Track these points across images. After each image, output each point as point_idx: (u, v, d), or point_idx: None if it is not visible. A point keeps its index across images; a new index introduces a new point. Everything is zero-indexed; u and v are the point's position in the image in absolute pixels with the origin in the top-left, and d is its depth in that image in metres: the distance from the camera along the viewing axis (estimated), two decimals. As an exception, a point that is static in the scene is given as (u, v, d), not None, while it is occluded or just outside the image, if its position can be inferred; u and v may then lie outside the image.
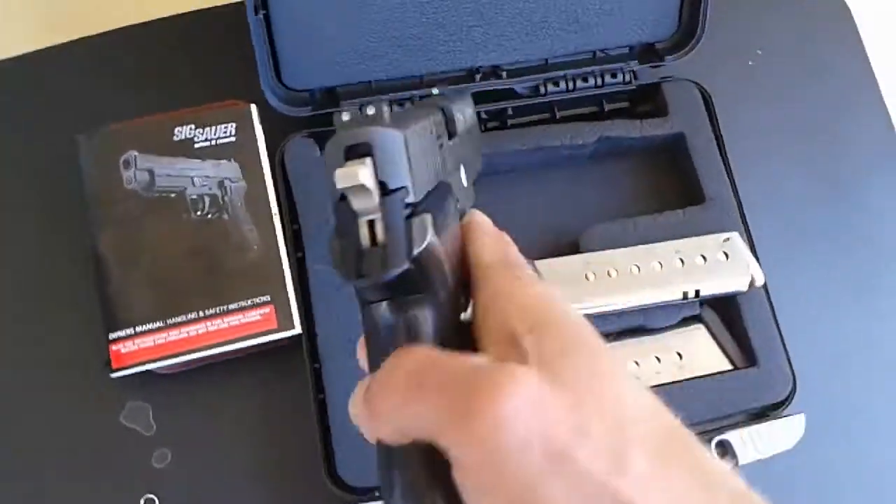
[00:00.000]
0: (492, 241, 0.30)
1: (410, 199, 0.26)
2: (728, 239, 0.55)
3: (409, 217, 0.25)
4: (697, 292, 0.54)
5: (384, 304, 0.27)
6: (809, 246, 0.61)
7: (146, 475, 0.54)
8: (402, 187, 0.25)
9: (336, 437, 0.51)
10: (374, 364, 0.26)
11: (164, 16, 0.63)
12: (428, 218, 0.26)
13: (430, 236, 0.26)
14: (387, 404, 0.24)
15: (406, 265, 0.25)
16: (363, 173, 0.24)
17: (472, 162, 0.38)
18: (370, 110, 0.31)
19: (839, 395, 0.57)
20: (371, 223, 0.25)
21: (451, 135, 0.34)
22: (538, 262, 0.53)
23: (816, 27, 0.68)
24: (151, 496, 0.53)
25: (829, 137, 0.65)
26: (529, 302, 0.26)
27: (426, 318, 0.26)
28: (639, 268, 0.54)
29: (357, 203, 0.25)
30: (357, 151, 0.25)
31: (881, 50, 0.68)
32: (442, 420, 0.23)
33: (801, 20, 0.68)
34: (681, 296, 0.54)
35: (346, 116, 0.29)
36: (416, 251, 0.25)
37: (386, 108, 0.30)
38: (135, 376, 0.53)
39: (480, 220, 0.31)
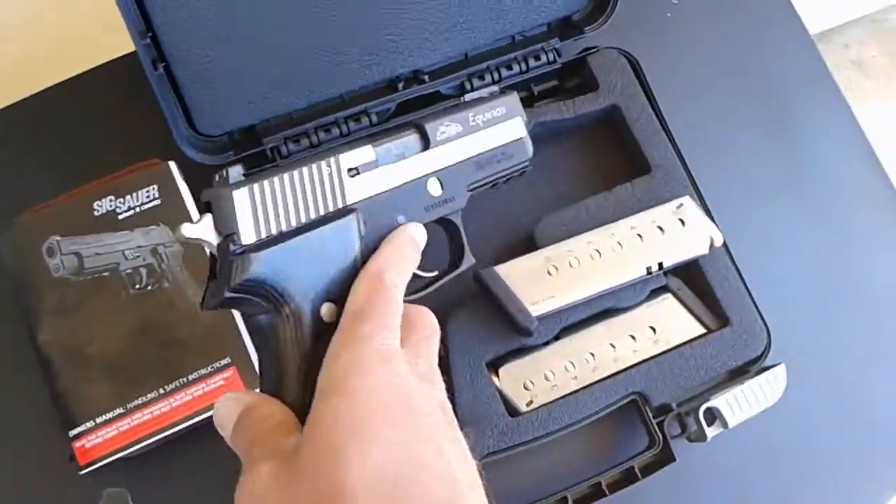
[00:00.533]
0: (363, 289, 0.36)
1: (242, 241, 0.36)
2: (681, 205, 0.54)
3: (236, 254, 0.36)
4: (661, 265, 0.53)
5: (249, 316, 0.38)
6: (760, 195, 0.61)
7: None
8: (232, 234, 0.36)
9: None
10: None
11: (52, 84, 0.59)
12: (252, 256, 0.36)
13: (253, 270, 0.36)
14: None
15: (225, 294, 0.36)
16: (199, 226, 0.37)
17: (479, 163, 0.47)
18: (224, 173, 0.39)
19: (814, 337, 0.58)
20: (213, 261, 0.37)
21: (426, 145, 0.44)
22: (499, 267, 0.52)
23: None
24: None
25: (760, 78, 0.65)
26: (337, 371, 0.33)
27: (273, 327, 0.37)
28: (599, 252, 0.53)
29: (206, 246, 0.37)
30: (206, 207, 0.38)
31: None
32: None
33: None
34: (645, 272, 0.53)
35: (216, 178, 0.39)
36: (235, 281, 0.36)
37: (235, 170, 0.39)
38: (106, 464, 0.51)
39: (370, 268, 0.38)
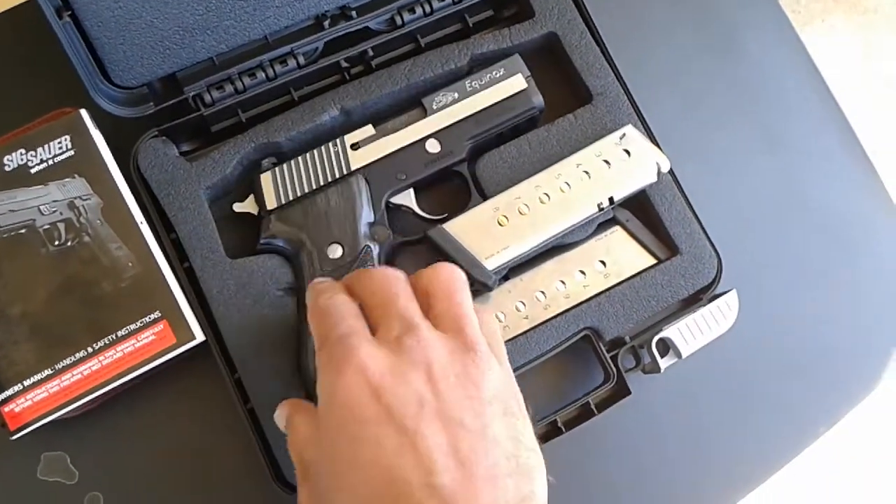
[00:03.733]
0: (344, 309, 0.40)
1: (267, 208, 0.53)
2: (624, 135, 0.54)
3: (261, 217, 0.53)
4: (611, 199, 0.53)
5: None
6: (706, 119, 0.62)
7: (85, 524, 0.52)
8: (263, 205, 0.53)
9: (275, 442, 0.49)
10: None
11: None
12: (272, 217, 0.53)
13: (272, 227, 0.53)
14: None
15: (257, 246, 0.53)
16: (246, 203, 0.54)
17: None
18: (263, 164, 0.54)
19: (765, 261, 0.59)
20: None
21: (424, 115, 0.55)
22: (448, 224, 0.52)
23: None
24: (94, 543, 0.51)
25: (718, 19, 0.64)
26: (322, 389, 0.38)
27: (299, 265, 0.52)
28: (548, 195, 0.53)
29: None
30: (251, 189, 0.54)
31: None
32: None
33: None
34: (596, 209, 0.53)
35: (262, 164, 0.54)
36: (261, 237, 0.53)
37: (268, 160, 0.54)
38: (41, 427, 0.51)
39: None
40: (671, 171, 0.55)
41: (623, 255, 0.55)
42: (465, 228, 0.52)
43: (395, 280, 0.40)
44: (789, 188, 0.61)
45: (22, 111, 0.53)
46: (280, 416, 0.43)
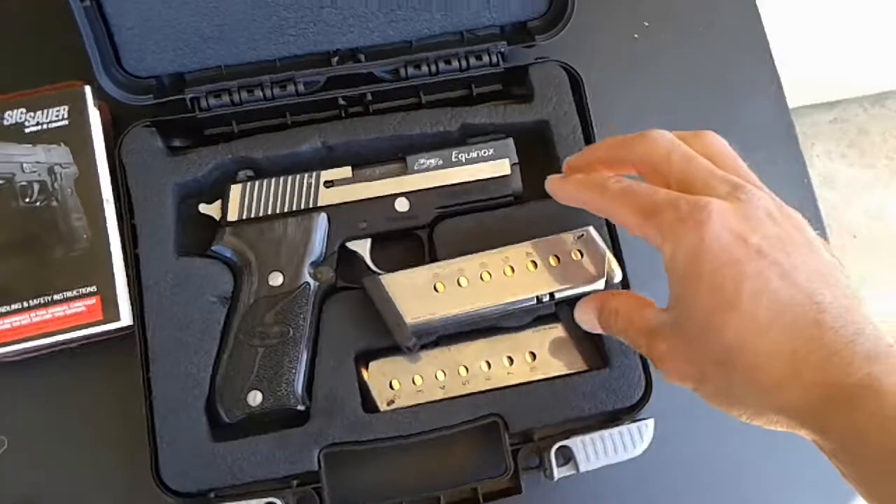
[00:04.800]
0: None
1: (227, 219, 0.55)
2: (582, 236, 0.54)
3: (219, 227, 0.56)
4: (552, 295, 0.53)
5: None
6: None
7: (-19, 462, 0.55)
8: (225, 214, 0.56)
9: (160, 441, 0.51)
10: None
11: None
12: (228, 230, 0.55)
13: (225, 239, 0.55)
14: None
15: (208, 251, 0.56)
16: (212, 206, 0.57)
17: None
18: (238, 175, 0.56)
19: (698, 403, 0.56)
20: None
21: (403, 172, 0.57)
22: (386, 277, 0.53)
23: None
24: (-15, 482, 0.54)
25: (722, 124, 0.63)
26: (681, 246, 0.42)
27: (239, 284, 0.55)
28: (490, 274, 0.53)
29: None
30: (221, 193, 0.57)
31: (780, 34, 0.66)
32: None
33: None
34: (535, 300, 0.53)
35: (238, 175, 0.56)
36: (213, 245, 0.55)
37: (245, 172, 0.57)
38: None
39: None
40: (624, 281, 0.55)
41: (555, 353, 0.55)
42: (401, 285, 0.53)
43: (686, 149, 0.44)
44: None
45: (36, 75, 0.57)
46: (586, 311, 0.49)
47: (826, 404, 0.37)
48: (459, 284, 0.53)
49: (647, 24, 0.66)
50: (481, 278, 0.53)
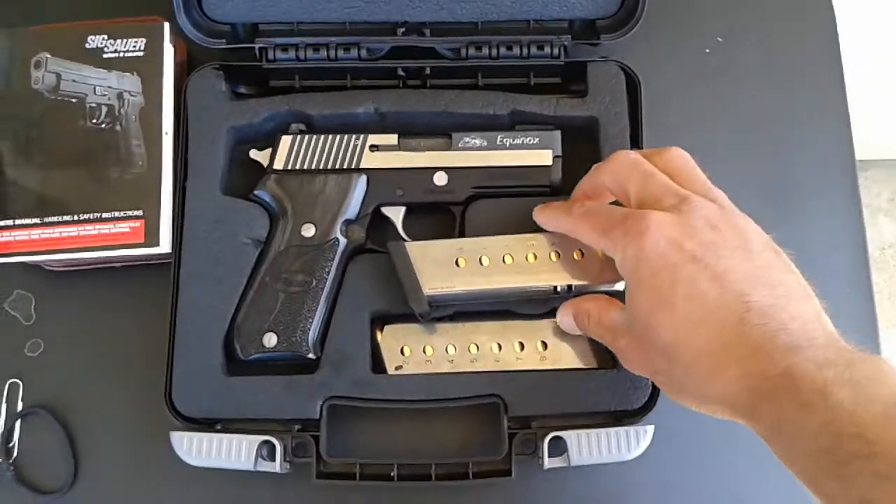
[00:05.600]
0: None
1: (273, 167, 0.58)
2: (609, 235, 0.54)
3: (265, 173, 0.58)
4: (570, 287, 0.53)
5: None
6: None
7: (17, 361, 0.59)
8: (272, 162, 0.59)
9: (177, 366, 0.54)
10: None
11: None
12: (272, 177, 0.58)
13: (268, 186, 0.58)
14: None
15: (250, 195, 0.58)
16: (262, 153, 0.59)
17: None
18: (291, 127, 0.59)
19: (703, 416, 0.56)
20: None
21: (448, 147, 0.58)
22: (411, 244, 0.54)
23: (791, 21, 0.67)
24: (17, 381, 0.58)
25: (782, 151, 0.64)
26: (628, 256, 0.46)
27: (273, 229, 0.57)
28: (512, 257, 0.54)
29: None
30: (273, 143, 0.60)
31: (856, 65, 0.64)
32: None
33: (775, 11, 0.67)
34: (551, 290, 0.54)
35: (290, 127, 0.59)
36: (256, 189, 0.58)
37: (296, 125, 0.59)
38: (26, 268, 0.59)
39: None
40: None
41: (567, 345, 0.55)
42: (425, 254, 0.54)
43: (647, 166, 0.48)
44: None
45: (123, 6, 0.61)
46: (566, 314, 0.53)
47: (752, 395, 0.40)
48: (481, 262, 0.54)
49: (720, 39, 0.66)
50: (503, 260, 0.54)
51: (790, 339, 0.40)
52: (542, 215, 0.54)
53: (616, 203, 0.51)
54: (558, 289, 0.54)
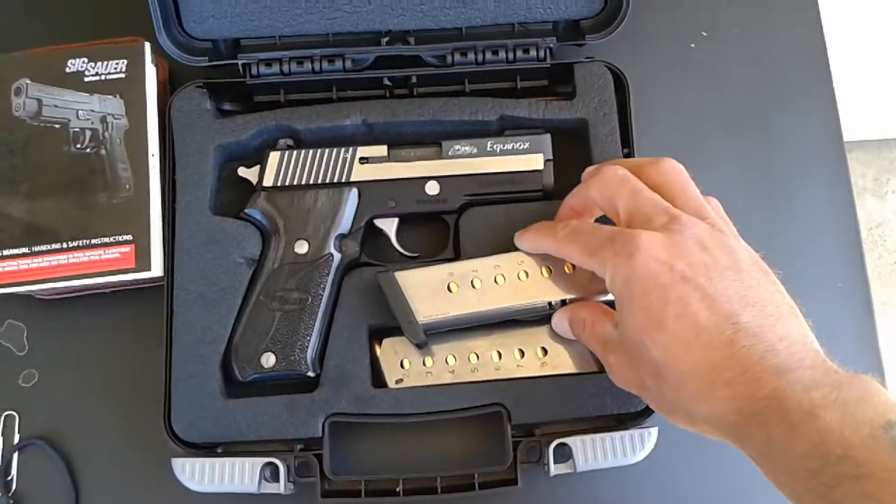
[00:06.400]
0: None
1: (263, 184, 0.58)
2: (598, 246, 0.54)
3: (255, 191, 0.58)
4: (564, 302, 0.54)
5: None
6: None
7: (11, 392, 0.59)
8: (261, 179, 0.58)
9: (175, 391, 0.54)
10: None
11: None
12: (262, 194, 0.58)
13: (258, 203, 0.58)
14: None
15: (240, 213, 0.58)
16: (250, 170, 0.59)
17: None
18: (278, 143, 0.59)
19: None
20: None
21: (438, 156, 0.58)
22: (401, 273, 0.54)
23: (773, 9, 0.67)
24: (12, 413, 0.58)
25: (766, 141, 0.64)
26: (618, 276, 0.46)
27: (266, 248, 0.57)
28: (504, 277, 0.54)
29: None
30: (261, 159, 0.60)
31: (841, 54, 0.65)
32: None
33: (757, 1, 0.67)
34: (546, 306, 0.54)
35: (278, 143, 0.58)
36: (246, 208, 0.57)
37: (284, 140, 0.59)
38: (16, 298, 0.59)
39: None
40: None
41: (567, 351, 0.55)
42: (415, 283, 0.54)
43: (636, 183, 0.47)
44: None
45: (101, 29, 0.61)
46: (561, 319, 0.53)
47: (741, 416, 0.41)
48: (473, 286, 0.54)
49: (705, 33, 0.66)
50: (495, 281, 0.54)
51: (778, 360, 0.40)
52: (525, 240, 0.53)
53: (604, 220, 0.51)
54: (553, 304, 0.54)
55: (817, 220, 0.62)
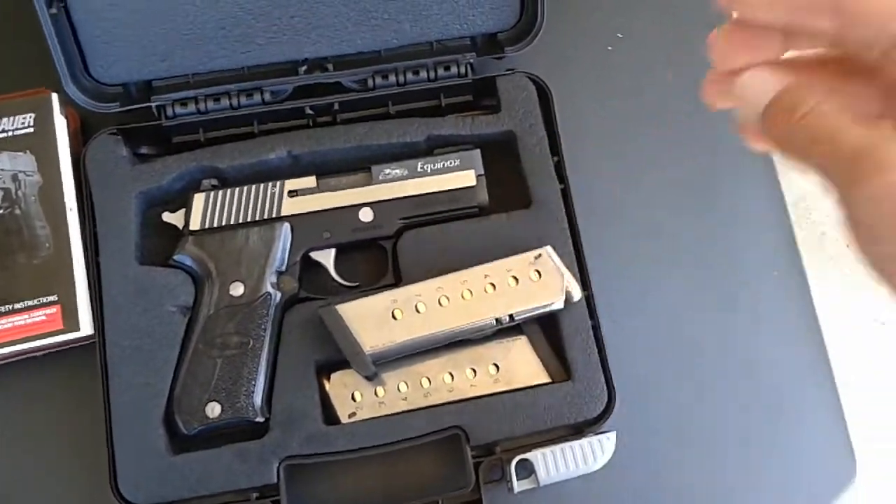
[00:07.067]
0: None
1: (190, 228, 0.56)
2: (539, 256, 0.54)
3: (182, 235, 0.56)
4: (511, 316, 0.54)
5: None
6: (652, 256, 0.61)
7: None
8: (187, 223, 0.56)
9: (118, 452, 0.52)
10: None
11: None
12: (190, 238, 0.56)
13: (187, 248, 0.56)
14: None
15: (169, 260, 0.56)
16: (175, 215, 0.57)
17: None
18: (202, 184, 0.57)
19: (664, 415, 0.57)
20: None
21: (368, 182, 0.57)
22: (343, 306, 0.53)
23: (688, 11, 0.67)
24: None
25: (693, 136, 0.65)
26: None
27: (200, 294, 0.55)
28: (448, 298, 0.54)
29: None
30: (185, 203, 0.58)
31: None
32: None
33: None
34: (493, 322, 0.54)
35: (202, 183, 0.57)
36: (175, 254, 0.56)
37: (209, 181, 0.57)
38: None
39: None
40: (589, 297, 0.55)
41: (518, 365, 0.55)
42: (358, 314, 0.53)
43: None
44: (728, 347, 0.60)
45: (3, 82, 0.58)
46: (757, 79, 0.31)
47: None
48: (417, 310, 0.53)
49: (620, 35, 0.67)
50: (439, 303, 0.53)
51: None
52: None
53: None
54: (503, 320, 0.53)
55: (750, 213, 0.63)
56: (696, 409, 0.58)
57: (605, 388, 0.54)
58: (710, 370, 0.59)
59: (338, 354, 0.53)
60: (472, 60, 0.60)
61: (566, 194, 0.57)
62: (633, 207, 0.62)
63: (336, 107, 0.59)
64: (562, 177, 0.58)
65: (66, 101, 0.57)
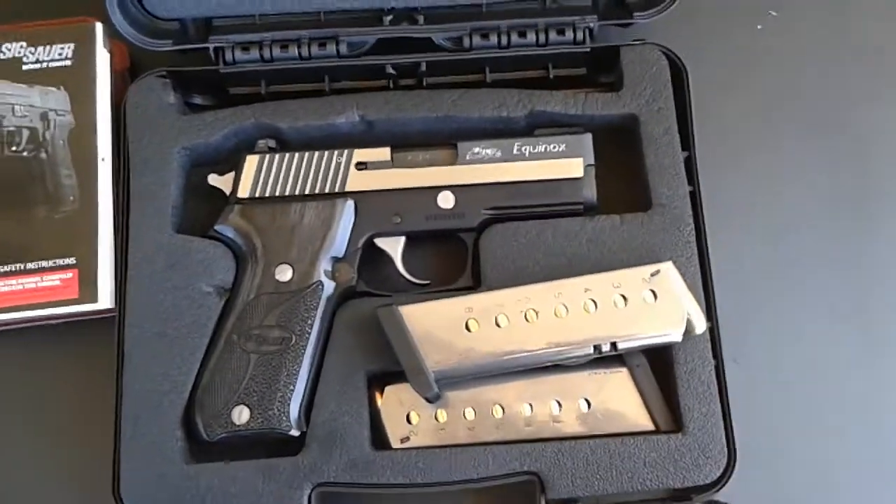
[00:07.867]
0: None
1: (238, 195, 0.49)
2: (657, 272, 0.45)
3: (228, 204, 0.49)
4: (614, 345, 0.45)
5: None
6: (795, 284, 0.52)
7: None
8: (235, 189, 0.49)
9: (125, 454, 0.46)
10: None
11: None
12: (236, 208, 0.49)
13: (230, 219, 0.48)
14: None
15: (210, 231, 0.49)
16: (223, 178, 0.50)
17: None
18: (259, 144, 0.50)
19: (791, 487, 0.47)
20: None
21: (453, 161, 0.49)
22: (408, 308, 0.45)
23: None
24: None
25: (851, 140, 0.55)
26: None
27: (242, 272, 0.48)
28: (537, 313, 0.45)
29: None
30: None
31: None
32: None
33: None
34: (591, 350, 0.45)
35: (258, 144, 0.49)
36: (216, 224, 0.48)
37: (266, 140, 0.50)
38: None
39: None
40: (713, 331, 0.46)
41: (616, 404, 0.46)
42: (424, 320, 0.45)
43: None
44: (879, 407, 0.50)
45: (44, 5, 0.52)
46: None
47: None
48: (498, 324, 0.45)
49: (773, 13, 0.58)
50: (525, 318, 0.45)
51: None
52: None
53: None
54: (602, 348, 0.44)
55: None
56: (834, 481, 0.49)
57: (724, 446, 0.45)
58: (855, 435, 0.50)
59: (394, 365, 0.46)
60: (592, 25, 0.51)
61: (696, 199, 0.49)
62: (773, 223, 0.54)
63: (423, 67, 0.52)
64: (692, 177, 0.49)
65: (111, 34, 0.51)
